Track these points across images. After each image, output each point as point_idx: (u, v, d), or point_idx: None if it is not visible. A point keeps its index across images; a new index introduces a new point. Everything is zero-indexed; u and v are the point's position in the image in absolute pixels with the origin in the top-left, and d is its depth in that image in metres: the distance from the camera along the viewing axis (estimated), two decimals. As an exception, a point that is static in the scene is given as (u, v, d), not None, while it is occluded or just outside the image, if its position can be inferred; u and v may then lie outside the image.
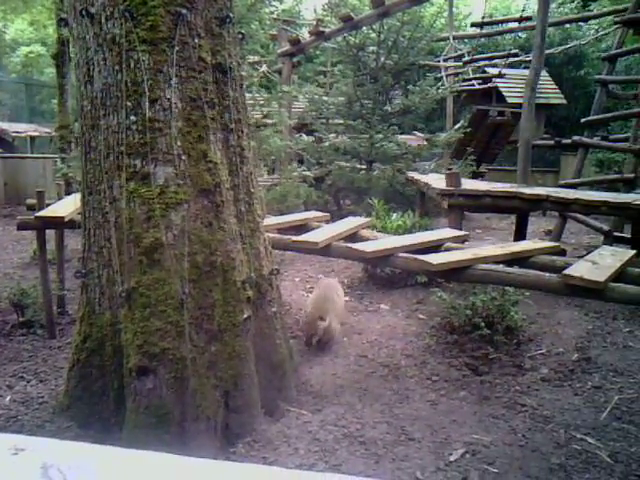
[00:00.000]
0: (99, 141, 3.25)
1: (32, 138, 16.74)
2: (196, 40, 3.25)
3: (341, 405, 3.64)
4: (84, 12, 3.14)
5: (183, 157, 3.15)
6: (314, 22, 11.77)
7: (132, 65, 3.09)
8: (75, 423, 3.24)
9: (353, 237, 4.68)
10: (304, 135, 11.60)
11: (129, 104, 3.10)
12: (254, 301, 3.48)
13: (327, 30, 10.72)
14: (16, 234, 8.52)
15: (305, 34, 13.76)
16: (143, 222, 3.05)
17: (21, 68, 20.38)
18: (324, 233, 4.42)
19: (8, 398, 3.63)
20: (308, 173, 9.66)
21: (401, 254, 4.00)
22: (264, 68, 13.99)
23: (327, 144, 10.67)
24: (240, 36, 3.90)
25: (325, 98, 11.55)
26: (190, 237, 3.11)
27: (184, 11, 3.13)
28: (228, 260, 3.27)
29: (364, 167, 10.61)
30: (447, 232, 4.94)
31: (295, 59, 12.29)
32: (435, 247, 4.34)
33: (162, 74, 3.12)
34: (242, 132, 3.59)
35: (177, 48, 3.15)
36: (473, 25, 15.37)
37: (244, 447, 3.12)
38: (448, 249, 4.31)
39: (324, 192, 10.18)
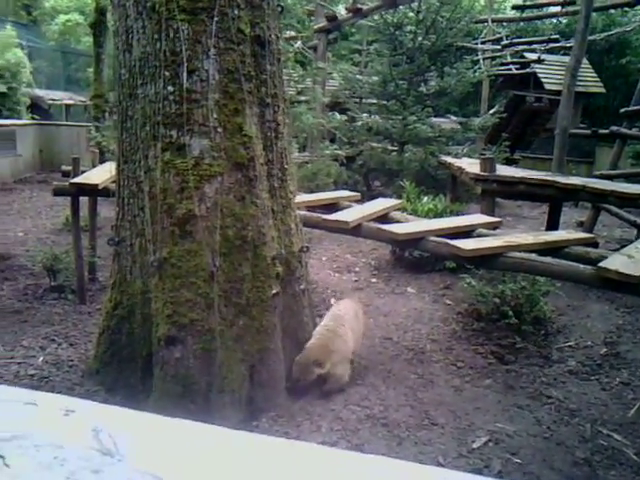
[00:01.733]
0: (136, 110, 3.25)
1: (67, 106, 16.93)
2: (236, 11, 3.21)
3: (365, 386, 3.64)
4: (126, -21, 3.12)
5: (219, 130, 3.13)
6: (351, -1, 11.59)
7: (171, 34, 3.07)
8: (103, 387, 3.30)
9: (384, 218, 4.63)
10: (337, 114, 11.50)
11: (167, 74, 3.09)
12: (283, 277, 3.47)
13: (365, 7, 10.54)
14: (50, 200, 8.67)
15: (341, 11, 13.57)
16: (177, 193, 3.05)
17: (59, 36, 20.53)
18: (355, 213, 4.39)
19: (41, 359, 3.72)
20: (340, 152, 9.58)
21: (432, 238, 3.95)
22: (299, 44, 13.84)
23: (359, 124, 10.56)
24: (279, 9, 3.84)
25: (359, 77, 11.41)
26: (222, 210, 3.11)
27: (225, -19, 3.09)
28: (259, 235, 3.26)
29: (396, 148, 10.49)
30: (479, 218, 4.87)
31: (331, 36, 12.14)
32: (466, 232, 4.28)
33: (201, 45, 3.10)
34: (278, 107, 3.55)
35: (216, 19, 3.11)
36: (514, 8, 14.96)
37: (267, 421, 3.14)
38: (480, 235, 4.24)
39: (354, 172, 10.10)
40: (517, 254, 3.70)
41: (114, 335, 3.38)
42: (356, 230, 4.20)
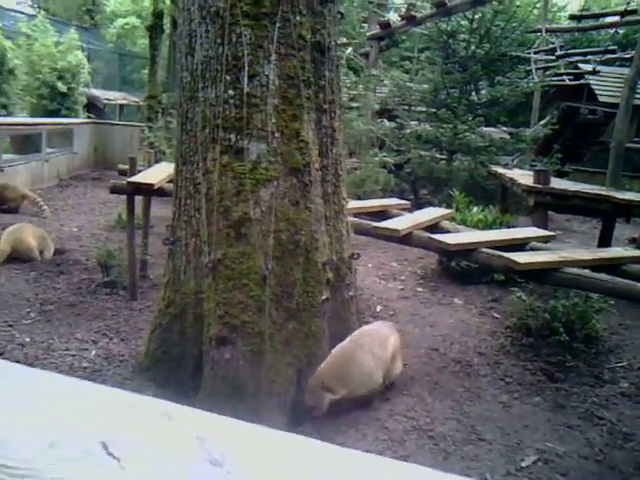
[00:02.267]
0: (196, 113, 3.31)
1: (121, 106, 17.41)
2: (297, 17, 3.24)
3: (411, 397, 3.60)
4: (192, -16, 3.19)
5: (276, 134, 3.17)
6: (404, 6, 11.56)
7: (234, 39, 3.12)
8: (153, 383, 3.37)
9: (434, 228, 4.59)
10: (386, 120, 11.46)
11: (228, 78, 3.14)
12: (333, 283, 3.48)
13: (419, 15, 10.49)
14: (103, 197, 8.92)
15: (393, 18, 13.53)
16: (233, 196, 3.10)
17: (116, 39, 21.19)
18: (406, 221, 4.36)
19: (93, 352, 3.82)
20: (388, 159, 9.53)
21: (484, 249, 3.89)
22: (349, 51, 13.87)
23: (408, 131, 10.49)
24: (339, 15, 3.86)
25: (410, 84, 11.34)
26: (277, 214, 3.13)
27: (289, -13, 3.12)
28: (312, 240, 3.28)
29: (444, 157, 10.37)
30: (532, 231, 4.77)
31: (382, 43, 12.12)
32: (519, 245, 4.20)
33: (262, 50, 3.14)
34: (335, 113, 3.57)
35: (279, 24, 3.15)
36: (571, 18, 14.64)
37: (312, 426, 3.14)
38: (533, 249, 4.16)
39: (401, 179, 10.04)
40: (573, 270, 3.62)
41: (166, 333, 3.44)
42: (406, 238, 4.17)
